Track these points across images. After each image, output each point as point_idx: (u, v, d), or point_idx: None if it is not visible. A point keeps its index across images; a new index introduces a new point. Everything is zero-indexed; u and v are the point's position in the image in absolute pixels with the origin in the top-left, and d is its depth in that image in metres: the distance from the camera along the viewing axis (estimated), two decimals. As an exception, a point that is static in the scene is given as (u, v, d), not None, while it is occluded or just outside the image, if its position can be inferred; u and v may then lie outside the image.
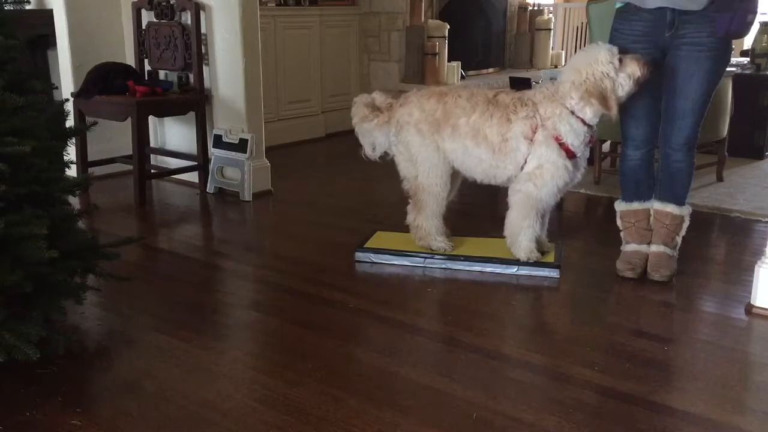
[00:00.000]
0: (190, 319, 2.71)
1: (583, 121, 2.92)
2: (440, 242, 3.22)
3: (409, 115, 3.13)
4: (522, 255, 3.09)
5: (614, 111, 2.86)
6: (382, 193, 3.45)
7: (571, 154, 2.96)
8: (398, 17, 6.29)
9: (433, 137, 3.09)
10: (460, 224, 3.54)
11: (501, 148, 2.99)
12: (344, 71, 6.33)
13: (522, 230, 3.07)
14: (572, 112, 2.91)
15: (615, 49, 2.86)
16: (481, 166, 3.07)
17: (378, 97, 3.27)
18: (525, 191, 3.01)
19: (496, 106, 3.00)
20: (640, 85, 2.86)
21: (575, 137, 2.93)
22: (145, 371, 2.31)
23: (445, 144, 3.08)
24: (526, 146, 2.96)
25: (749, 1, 2.75)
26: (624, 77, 2.84)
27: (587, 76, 2.84)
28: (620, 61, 2.84)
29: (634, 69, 2.83)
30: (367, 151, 3.32)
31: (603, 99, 2.83)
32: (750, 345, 2.56)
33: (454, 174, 3.21)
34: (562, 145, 2.93)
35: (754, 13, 2.78)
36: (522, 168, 3.01)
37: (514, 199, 3.06)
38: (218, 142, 4.36)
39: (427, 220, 3.19)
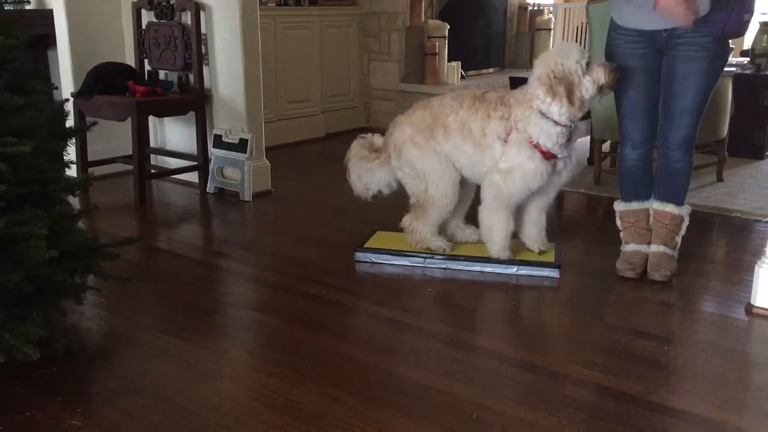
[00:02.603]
0: (190, 319, 2.71)
1: (555, 122, 2.91)
2: (438, 241, 3.21)
3: (402, 134, 3.16)
4: (493, 252, 3.11)
5: (577, 107, 2.86)
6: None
7: (548, 156, 2.95)
8: (398, 17, 6.29)
9: (430, 144, 3.10)
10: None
11: (480, 142, 3.01)
12: (344, 71, 6.33)
13: (494, 226, 3.09)
14: (542, 114, 2.90)
15: (586, 53, 2.88)
16: (467, 161, 3.09)
17: (376, 140, 3.32)
18: (493, 184, 3.02)
19: (482, 102, 3.03)
20: (603, 93, 2.89)
21: (547, 138, 2.92)
22: (145, 371, 2.31)
23: (441, 147, 3.09)
24: (500, 146, 2.99)
25: (746, 0, 2.76)
26: (588, 81, 2.85)
27: (555, 68, 2.85)
28: (588, 65, 2.86)
29: (599, 75, 2.85)
30: (359, 188, 3.32)
31: (569, 92, 2.83)
32: (750, 345, 2.56)
33: (467, 188, 3.23)
34: (537, 147, 2.93)
35: (751, 12, 2.79)
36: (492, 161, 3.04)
37: (485, 193, 3.08)
38: (218, 142, 4.36)
39: (424, 226, 3.19)
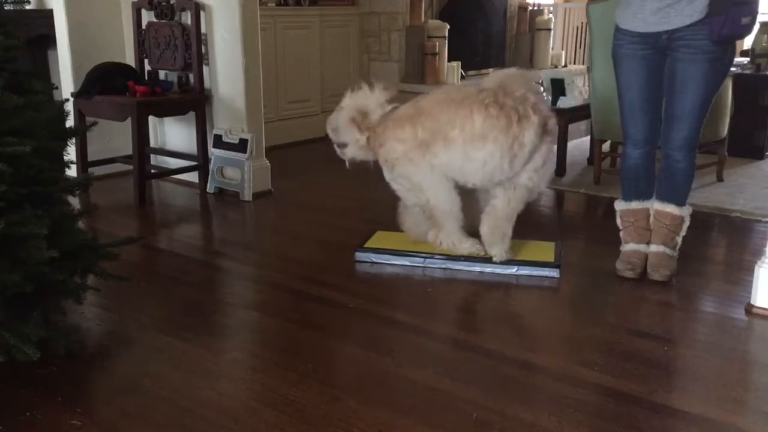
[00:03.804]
0: (190, 319, 2.71)
1: None
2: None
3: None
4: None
5: None
6: (382, 193, 3.44)
7: None
8: (398, 17, 6.29)
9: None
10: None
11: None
12: (344, 71, 6.33)
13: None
14: None
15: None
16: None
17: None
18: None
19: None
20: None
21: None
22: (145, 371, 2.31)
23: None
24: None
25: (745, 4, 2.74)
26: None
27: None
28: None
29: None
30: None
31: None
32: (750, 345, 2.56)
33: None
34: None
35: (752, 15, 2.76)
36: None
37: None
38: (218, 142, 4.36)
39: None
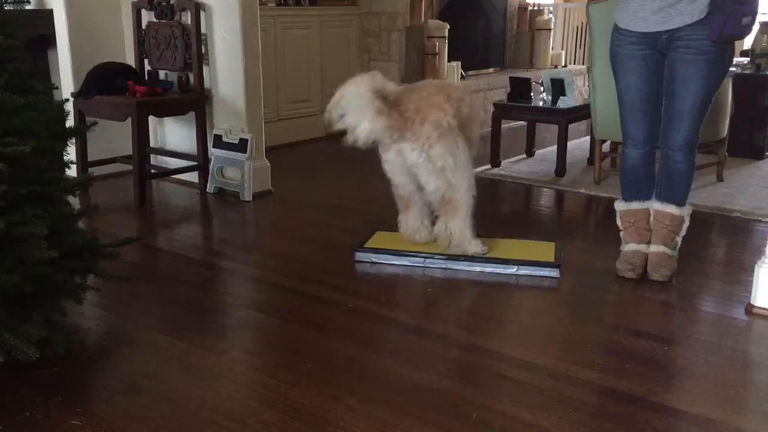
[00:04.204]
0: (190, 319, 2.71)
1: None
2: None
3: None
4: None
5: None
6: (382, 193, 3.44)
7: None
8: (398, 17, 6.29)
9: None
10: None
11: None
12: (344, 71, 6.29)
13: None
14: None
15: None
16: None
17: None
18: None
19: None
20: None
21: None
22: (145, 371, 2.31)
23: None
24: None
25: (745, 3, 2.74)
26: None
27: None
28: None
29: None
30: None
31: None
32: (750, 345, 2.55)
33: None
34: None
35: (753, 14, 2.76)
36: None
37: None
38: (218, 142, 4.36)
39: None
